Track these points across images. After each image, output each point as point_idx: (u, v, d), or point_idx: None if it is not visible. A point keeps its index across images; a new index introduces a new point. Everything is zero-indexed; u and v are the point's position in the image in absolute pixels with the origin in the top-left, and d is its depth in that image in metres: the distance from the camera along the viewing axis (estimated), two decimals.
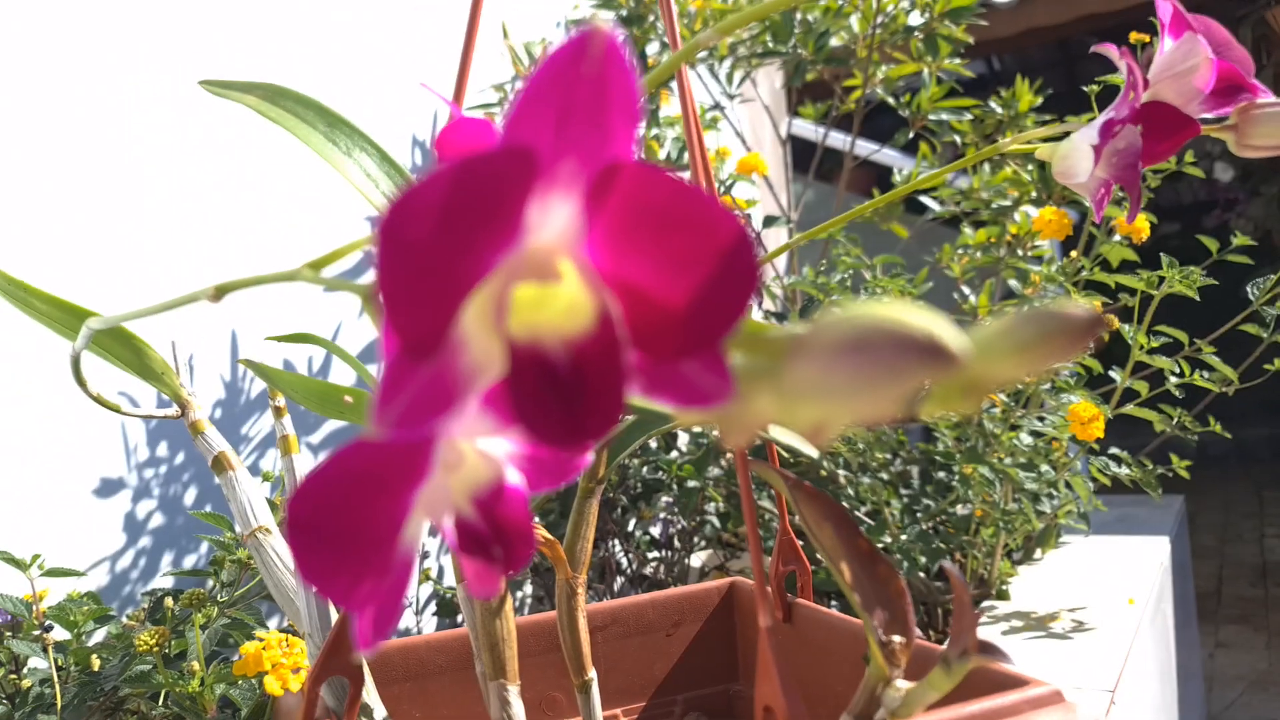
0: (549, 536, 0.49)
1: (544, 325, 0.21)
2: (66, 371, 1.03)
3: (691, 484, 1.30)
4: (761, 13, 0.31)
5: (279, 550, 0.55)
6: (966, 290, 1.41)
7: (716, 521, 1.40)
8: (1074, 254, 1.21)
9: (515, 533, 0.26)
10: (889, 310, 0.17)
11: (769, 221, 1.43)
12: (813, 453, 0.43)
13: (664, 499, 1.41)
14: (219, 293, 0.32)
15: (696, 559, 1.55)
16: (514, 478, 0.26)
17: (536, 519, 0.73)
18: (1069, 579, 1.35)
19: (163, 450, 1.17)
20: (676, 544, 1.41)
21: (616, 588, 1.41)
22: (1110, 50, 0.45)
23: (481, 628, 0.47)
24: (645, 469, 1.45)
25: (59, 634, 0.84)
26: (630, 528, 1.42)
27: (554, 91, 0.19)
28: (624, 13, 1.51)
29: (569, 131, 0.19)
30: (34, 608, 0.86)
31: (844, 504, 1.19)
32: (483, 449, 0.26)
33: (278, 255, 1.17)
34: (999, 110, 1.40)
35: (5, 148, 0.98)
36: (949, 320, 0.16)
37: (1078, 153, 0.43)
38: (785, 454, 1.16)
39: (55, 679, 0.74)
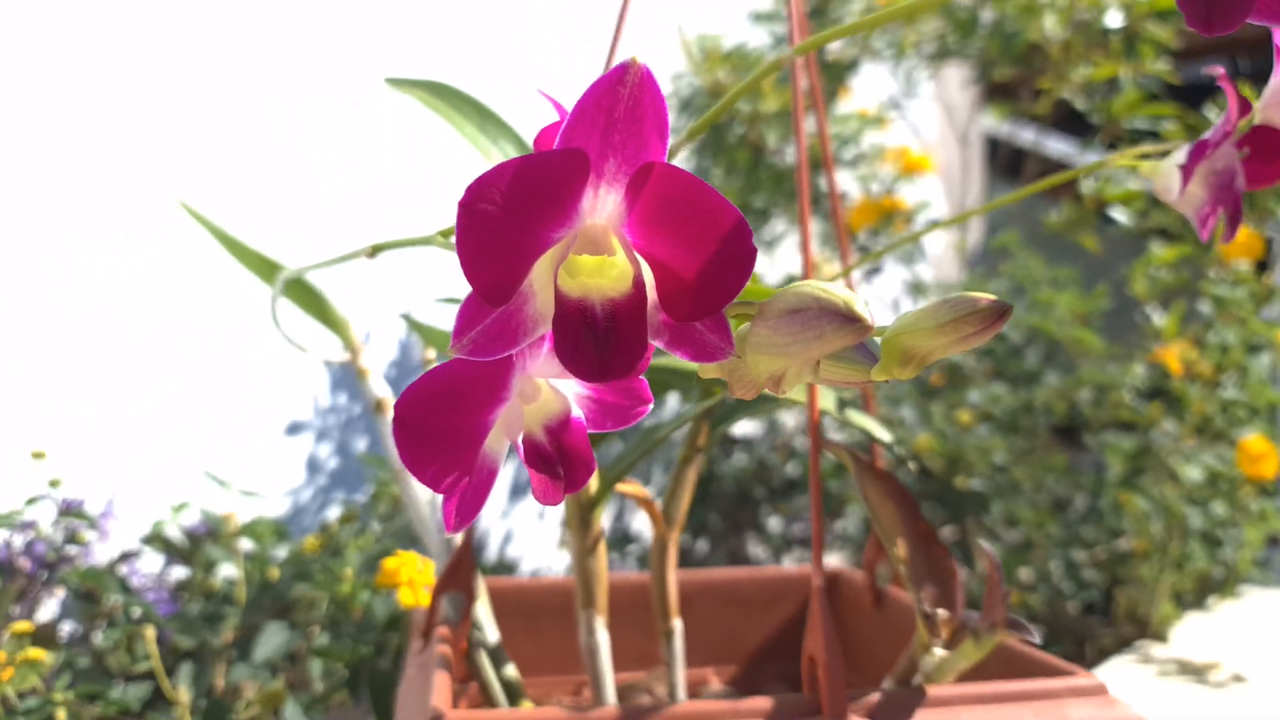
0: (647, 496, 0.55)
1: (594, 287, 0.27)
2: (263, 328, 1.17)
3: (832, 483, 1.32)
4: (869, 24, 0.36)
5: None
6: (1152, 313, 1.33)
7: (857, 523, 1.41)
8: (1266, 278, 1.15)
9: (576, 458, 0.32)
10: (822, 286, 0.21)
11: (933, 225, 1.41)
12: (886, 437, 0.47)
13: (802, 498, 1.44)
14: (374, 250, 0.40)
15: (832, 559, 1.56)
16: (579, 414, 0.33)
17: (640, 484, 0.80)
18: (1241, 631, 1.22)
19: (342, 399, 1.32)
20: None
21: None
22: (1214, 73, 0.46)
23: (578, 564, 0.53)
24: (789, 466, 1.48)
25: (249, 544, 0.98)
26: (767, 523, 1.45)
27: (600, 108, 0.24)
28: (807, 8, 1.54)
29: (612, 139, 0.25)
30: (228, 523, 1.00)
31: (986, 524, 1.17)
32: (555, 386, 0.32)
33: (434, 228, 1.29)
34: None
35: (232, 144, 1.13)
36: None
37: (1169, 173, 0.45)
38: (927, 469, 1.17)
39: (242, 581, 0.87)
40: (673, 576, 0.57)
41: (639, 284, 0.26)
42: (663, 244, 0.26)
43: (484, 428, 0.30)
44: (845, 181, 1.47)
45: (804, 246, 0.46)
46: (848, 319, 0.21)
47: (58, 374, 1.00)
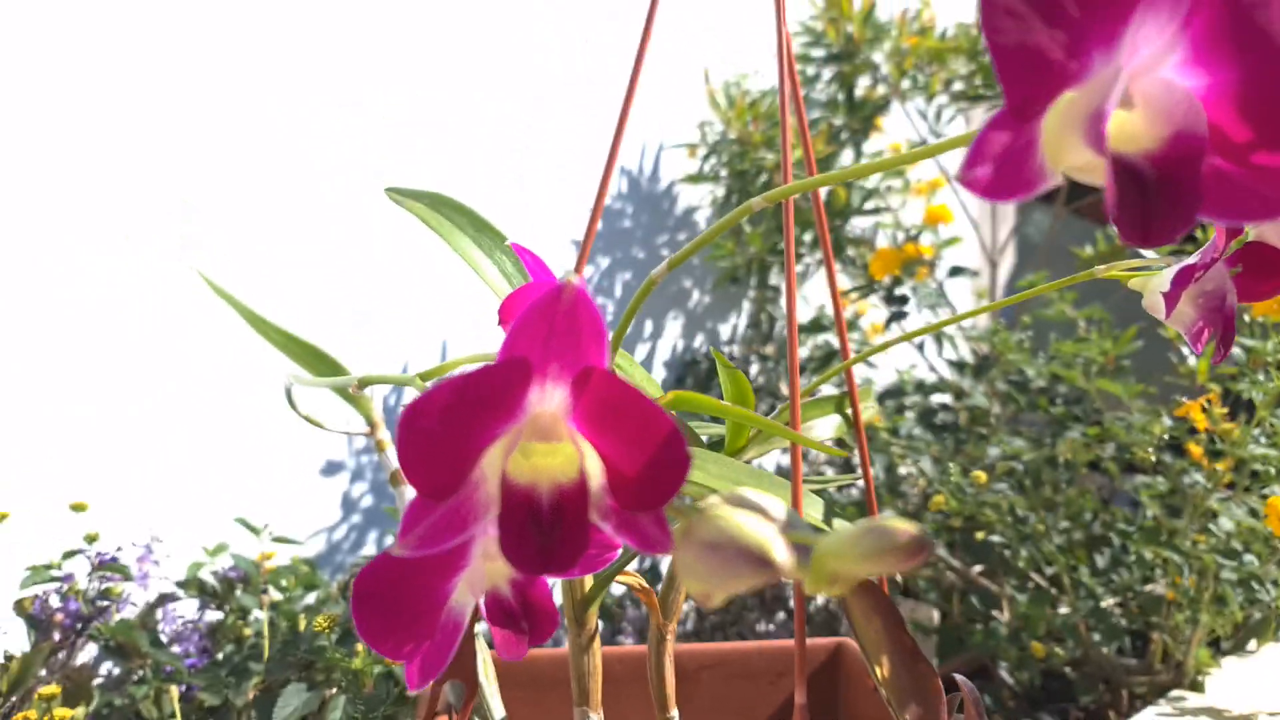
0: (645, 585, 0.56)
1: (545, 469, 0.28)
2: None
3: None
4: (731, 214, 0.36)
5: None
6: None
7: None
8: None
9: (541, 611, 0.33)
10: (740, 523, 0.22)
11: (955, 272, 1.41)
12: None
13: None
14: (361, 384, 0.41)
15: None
16: None
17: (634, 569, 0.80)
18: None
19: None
20: None
21: (779, 621, 1.45)
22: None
23: (573, 662, 0.54)
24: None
25: (276, 593, 1.01)
26: None
27: (542, 319, 0.25)
28: (835, 50, 1.54)
29: (552, 345, 0.26)
30: (261, 567, 1.03)
31: (1016, 566, 1.16)
32: None
33: (435, 332, 1.32)
34: None
35: (233, 143, 1.17)
36: (790, 532, 0.21)
37: (1155, 296, 0.45)
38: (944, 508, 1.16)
39: (266, 633, 0.89)
40: (670, 666, 0.57)
41: (584, 471, 0.27)
42: (605, 440, 0.27)
43: (445, 595, 0.31)
44: (868, 224, 1.47)
45: (790, 318, 0.47)
46: (762, 564, 0.22)
47: (91, 410, 1.03)
